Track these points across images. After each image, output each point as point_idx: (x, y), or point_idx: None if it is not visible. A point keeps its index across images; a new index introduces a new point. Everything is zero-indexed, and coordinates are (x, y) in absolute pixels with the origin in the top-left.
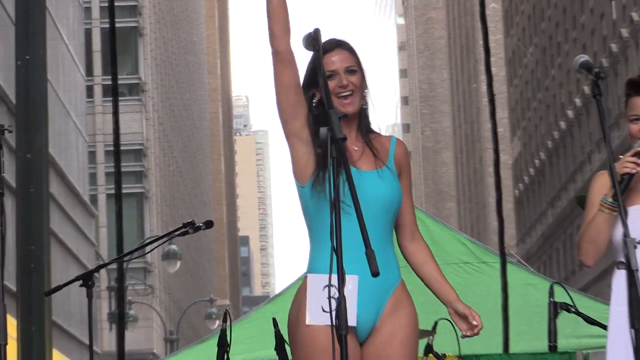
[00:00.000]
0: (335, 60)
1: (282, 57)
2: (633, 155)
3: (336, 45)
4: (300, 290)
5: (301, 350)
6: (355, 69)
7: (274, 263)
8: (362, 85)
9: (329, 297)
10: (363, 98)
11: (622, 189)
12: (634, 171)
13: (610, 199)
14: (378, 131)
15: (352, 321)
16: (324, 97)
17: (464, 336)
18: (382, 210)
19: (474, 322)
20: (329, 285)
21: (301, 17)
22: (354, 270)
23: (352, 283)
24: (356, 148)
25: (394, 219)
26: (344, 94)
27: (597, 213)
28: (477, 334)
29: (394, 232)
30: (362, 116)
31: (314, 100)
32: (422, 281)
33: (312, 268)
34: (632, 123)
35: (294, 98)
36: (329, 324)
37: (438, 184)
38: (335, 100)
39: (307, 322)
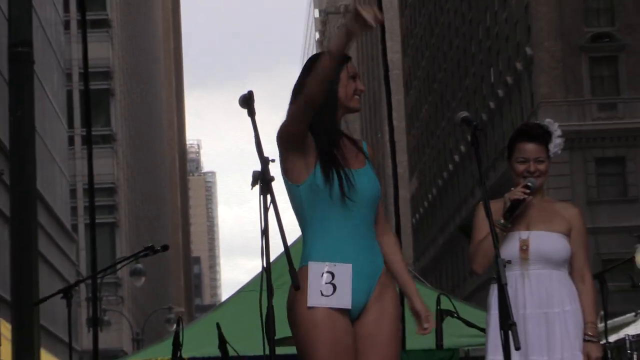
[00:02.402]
0: (354, 67)
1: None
2: (523, 187)
3: (349, 57)
4: (300, 275)
5: (300, 327)
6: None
7: (221, 278)
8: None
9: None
10: None
11: (512, 212)
12: (522, 197)
13: (502, 221)
14: None
15: (347, 304)
16: (257, 150)
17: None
18: (370, 205)
19: (425, 325)
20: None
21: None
22: (349, 259)
23: (346, 271)
24: (347, 148)
25: (375, 213)
26: (358, 96)
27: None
28: (425, 334)
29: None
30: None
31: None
32: (388, 269)
33: (310, 256)
34: (519, 164)
35: (305, 133)
36: (327, 306)
37: None
38: (352, 100)
39: (309, 304)
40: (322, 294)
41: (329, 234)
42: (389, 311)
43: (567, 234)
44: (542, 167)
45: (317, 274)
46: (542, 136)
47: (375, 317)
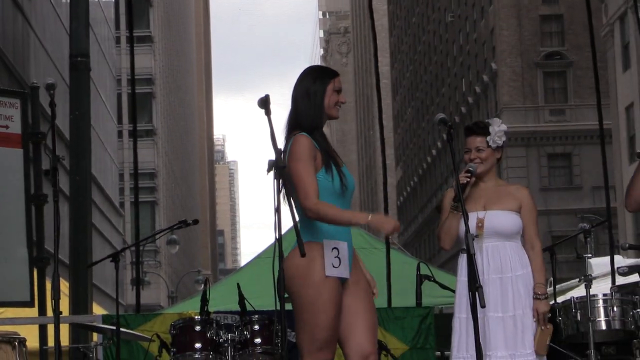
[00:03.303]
0: (340, 82)
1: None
2: (465, 172)
3: (338, 73)
4: (309, 249)
5: (314, 290)
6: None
7: (240, 247)
8: None
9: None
10: None
11: (462, 195)
12: (465, 181)
13: (454, 204)
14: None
15: (348, 274)
16: (272, 142)
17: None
18: (351, 196)
19: (374, 291)
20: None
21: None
22: (345, 238)
23: (345, 248)
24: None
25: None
26: (339, 107)
27: (449, 215)
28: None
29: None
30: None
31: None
32: None
33: (322, 234)
34: (465, 154)
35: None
36: (337, 275)
37: None
38: (333, 109)
39: (326, 274)
40: (333, 266)
41: None
42: (364, 278)
43: (518, 211)
44: (482, 155)
45: (329, 250)
46: (482, 130)
47: (354, 280)
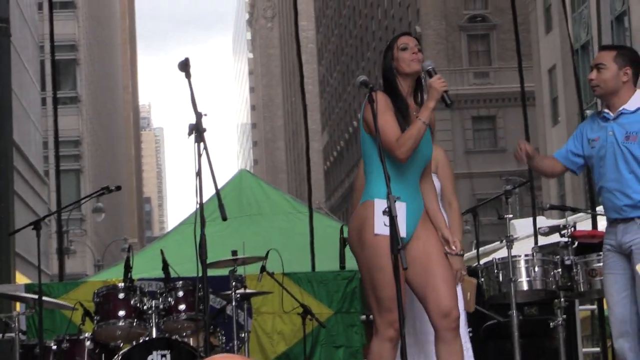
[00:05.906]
0: (408, 40)
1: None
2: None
3: (406, 33)
4: (364, 209)
5: (368, 249)
6: (420, 48)
7: (167, 215)
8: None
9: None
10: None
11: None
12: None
13: None
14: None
15: (403, 233)
16: (192, 106)
17: (447, 253)
18: (424, 160)
19: (453, 247)
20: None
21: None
22: (404, 199)
23: (402, 208)
24: (412, 106)
25: (424, 167)
26: (414, 54)
27: None
28: (452, 253)
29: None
30: (418, 82)
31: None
32: (426, 208)
33: (376, 194)
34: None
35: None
36: (388, 234)
37: (274, 162)
38: (411, 64)
39: (375, 232)
40: (384, 224)
41: (390, 178)
42: (434, 236)
43: (435, 172)
44: None
45: (380, 209)
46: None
47: (423, 240)
